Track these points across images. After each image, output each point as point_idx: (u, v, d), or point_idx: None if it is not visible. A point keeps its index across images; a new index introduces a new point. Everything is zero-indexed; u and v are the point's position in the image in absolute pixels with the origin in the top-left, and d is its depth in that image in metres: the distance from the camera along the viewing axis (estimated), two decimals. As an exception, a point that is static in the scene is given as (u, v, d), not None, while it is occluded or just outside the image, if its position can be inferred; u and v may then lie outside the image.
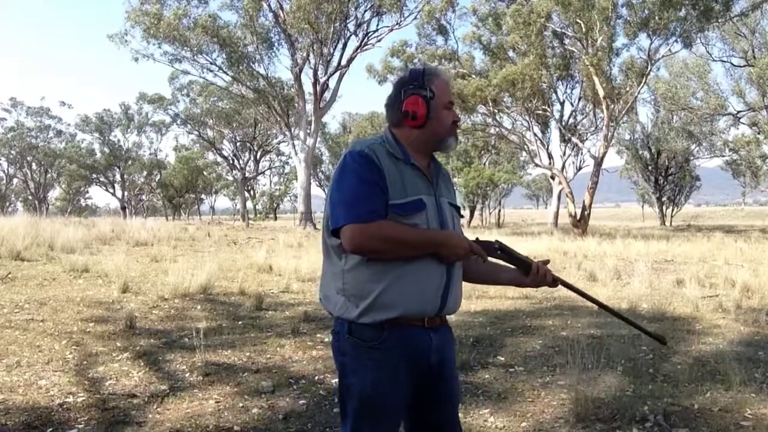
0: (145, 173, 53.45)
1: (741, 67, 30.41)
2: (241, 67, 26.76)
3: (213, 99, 40.71)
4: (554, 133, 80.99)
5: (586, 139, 35.45)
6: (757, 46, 29.30)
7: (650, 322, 5.89)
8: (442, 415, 1.78)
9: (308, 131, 26.89)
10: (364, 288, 1.61)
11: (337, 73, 26.97)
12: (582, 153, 34.72)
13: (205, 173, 54.34)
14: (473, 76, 27.02)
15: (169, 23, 23.97)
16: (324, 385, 3.89)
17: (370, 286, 1.61)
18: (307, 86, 27.29)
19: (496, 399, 3.65)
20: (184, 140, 53.20)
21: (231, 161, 46.65)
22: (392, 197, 1.61)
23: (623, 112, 26.25)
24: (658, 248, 15.06)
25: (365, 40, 26.94)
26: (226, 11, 38.13)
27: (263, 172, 53.03)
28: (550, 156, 32.74)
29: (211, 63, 26.84)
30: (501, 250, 1.78)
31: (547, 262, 1.86)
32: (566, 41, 26.24)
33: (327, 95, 27.63)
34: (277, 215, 61.93)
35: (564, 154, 34.00)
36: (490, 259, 1.77)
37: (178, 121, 45.17)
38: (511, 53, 27.42)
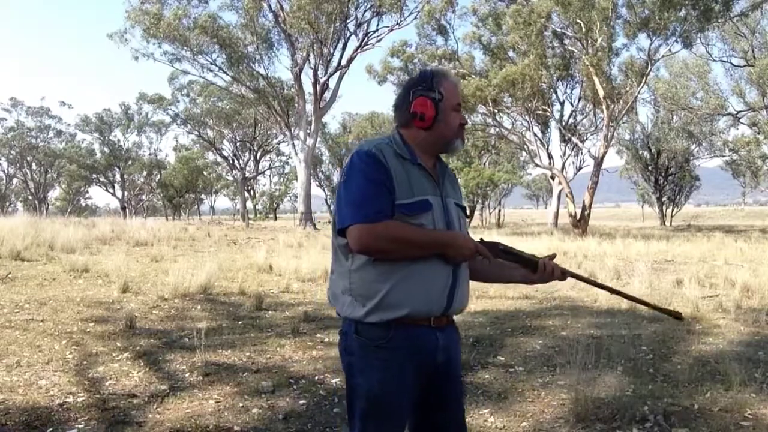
0: (145, 173, 53.44)
1: (741, 67, 30.42)
2: (241, 67, 26.78)
3: (213, 99, 40.70)
4: (554, 133, 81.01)
5: (586, 139, 35.50)
6: (757, 46, 29.30)
7: (650, 322, 5.90)
8: (448, 414, 1.78)
9: (308, 131, 26.89)
10: (371, 288, 1.62)
11: (337, 73, 27.00)
12: (582, 153, 34.77)
13: (205, 173, 54.33)
14: (473, 76, 27.02)
15: (169, 23, 23.98)
16: (324, 385, 3.89)
17: (376, 285, 1.62)
18: (307, 86, 27.34)
19: (496, 399, 3.65)
20: (184, 140, 53.24)
21: (231, 161, 46.64)
22: (399, 197, 1.62)
23: (623, 112, 26.25)
24: (658, 248, 15.06)
25: (365, 40, 26.96)
26: (226, 11, 38.11)
27: (263, 172, 53.07)
28: (550, 156, 32.76)
29: (211, 63, 26.89)
30: (506, 251, 1.79)
31: (553, 256, 1.86)
32: (566, 41, 26.24)
33: (327, 95, 27.65)
34: (277, 215, 61.92)
35: (564, 154, 34.02)
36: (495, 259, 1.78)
37: (178, 121, 45.17)
38: (511, 53, 27.43)
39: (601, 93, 23.65)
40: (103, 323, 5.42)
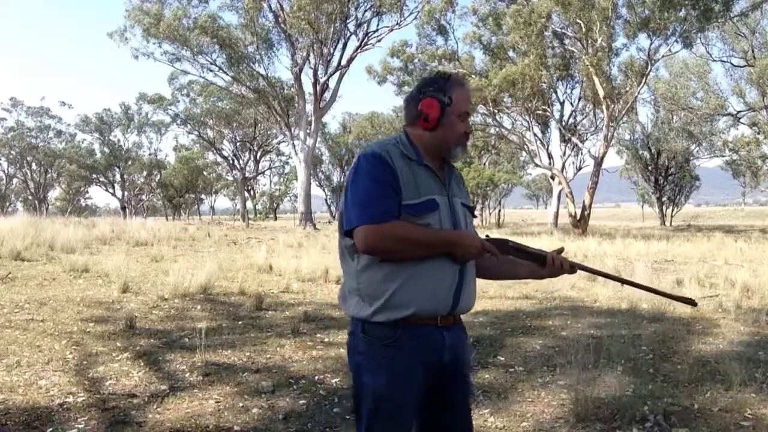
0: (145, 173, 53.44)
1: (741, 67, 30.41)
2: (241, 67, 26.78)
3: (213, 99, 40.69)
4: (554, 133, 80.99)
5: (586, 139, 35.50)
6: (757, 46, 29.30)
7: (650, 322, 5.90)
8: (455, 414, 1.79)
9: (308, 131, 26.88)
10: (378, 288, 1.63)
11: (337, 73, 27.00)
12: (582, 153, 34.78)
13: (205, 173, 54.32)
14: (473, 76, 27.01)
15: (168, 24, 23.97)
16: (324, 385, 3.89)
17: (384, 285, 1.63)
18: (307, 86, 27.33)
19: (496, 399, 3.65)
20: (184, 140, 53.22)
21: (231, 161, 46.63)
22: (405, 198, 1.63)
23: (623, 112, 26.25)
24: (658, 248, 15.07)
25: (365, 40, 26.96)
26: (226, 11, 38.12)
27: (263, 172, 53.07)
28: (550, 156, 32.76)
29: (211, 63, 26.89)
30: (513, 248, 1.79)
31: (561, 250, 1.86)
32: (566, 41, 26.24)
33: (327, 95, 27.64)
34: (277, 215, 61.91)
35: (564, 154, 34.02)
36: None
37: (178, 121, 45.16)
38: (511, 53, 27.42)
39: (601, 93, 23.65)
40: (103, 323, 5.42)
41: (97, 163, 50.63)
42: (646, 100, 35.35)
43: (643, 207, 60.07)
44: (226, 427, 3.14)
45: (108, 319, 5.60)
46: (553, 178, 32.93)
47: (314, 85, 26.69)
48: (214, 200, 70.12)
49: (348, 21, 26.08)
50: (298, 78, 26.85)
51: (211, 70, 27.39)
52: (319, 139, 34.18)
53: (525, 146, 31.28)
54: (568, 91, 32.15)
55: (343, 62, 26.79)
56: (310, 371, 4.18)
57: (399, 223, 1.60)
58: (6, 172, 53.53)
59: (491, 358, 4.57)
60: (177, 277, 7.24)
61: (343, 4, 24.68)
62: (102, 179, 52.38)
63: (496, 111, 28.07)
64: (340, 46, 26.58)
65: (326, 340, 5.14)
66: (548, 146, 33.71)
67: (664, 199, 42.09)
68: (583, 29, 22.98)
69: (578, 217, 24.17)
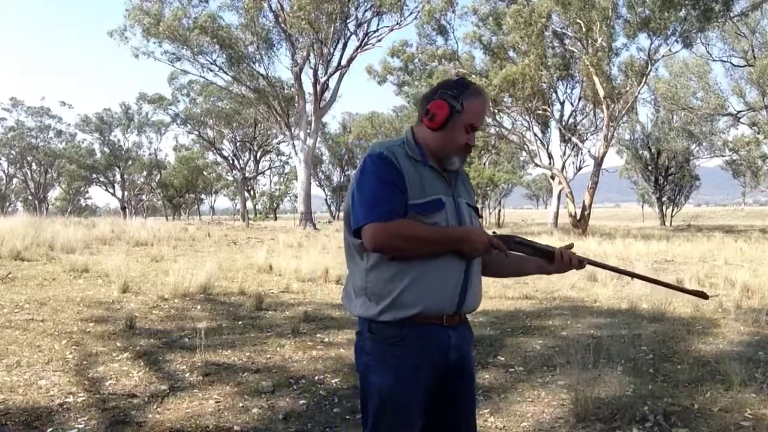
0: (145, 173, 53.44)
1: (741, 67, 30.41)
2: (241, 67, 26.77)
3: (213, 99, 40.69)
4: (554, 133, 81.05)
5: (586, 139, 35.50)
6: (757, 46, 29.29)
7: (650, 322, 5.90)
8: (460, 414, 1.79)
9: (308, 131, 26.88)
10: (385, 287, 1.65)
11: (337, 73, 27.00)
12: (582, 153, 34.78)
13: (205, 173, 54.32)
14: (473, 76, 27.01)
15: (168, 25, 23.97)
16: (324, 385, 3.89)
17: (391, 285, 1.64)
18: (307, 86, 27.34)
19: (496, 399, 3.65)
20: (184, 140, 53.19)
21: (231, 161, 46.63)
22: (412, 197, 1.64)
23: (623, 112, 26.24)
24: (658, 248, 15.07)
25: (365, 40, 26.96)
26: (226, 11, 38.13)
27: (263, 172, 53.06)
28: (550, 156, 32.76)
29: (211, 63, 26.89)
30: (521, 243, 1.79)
31: (570, 246, 1.86)
32: (566, 41, 26.24)
33: (327, 95, 27.64)
34: (277, 215, 61.91)
35: (564, 154, 34.02)
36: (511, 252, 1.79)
37: (178, 121, 45.16)
38: (511, 53, 27.42)
39: (601, 93, 23.65)
40: (103, 323, 5.42)
41: (97, 163, 50.64)
42: (646, 100, 35.40)
43: (643, 207, 60.07)
44: (226, 427, 3.14)
45: (108, 319, 5.60)
46: (553, 178, 32.93)
47: (314, 85, 26.69)
48: (214, 200, 70.19)
49: (348, 21, 26.10)
50: (298, 78, 26.85)
51: (211, 70, 27.44)
52: (319, 139, 34.18)
53: (525, 146, 31.28)
54: (568, 91, 32.20)
55: (343, 62, 26.82)
56: (310, 371, 4.18)
57: (406, 221, 1.61)
58: (6, 172, 53.57)
59: (491, 358, 4.57)
60: (177, 277, 7.24)
61: (343, 4, 24.68)
62: (102, 179, 52.38)
63: (496, 111, 28.06)
64: (340, 46, 26.63)
65: (326, 340, 5.14)
66: (548, 146, 33.74)
67: (664, 199, 42.09)
68: (583, 29, 22.98)
69: (578, 217, 24.17)
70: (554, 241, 17.23)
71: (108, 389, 3.69)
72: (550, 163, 31.53)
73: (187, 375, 4.04)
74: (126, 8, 24.92)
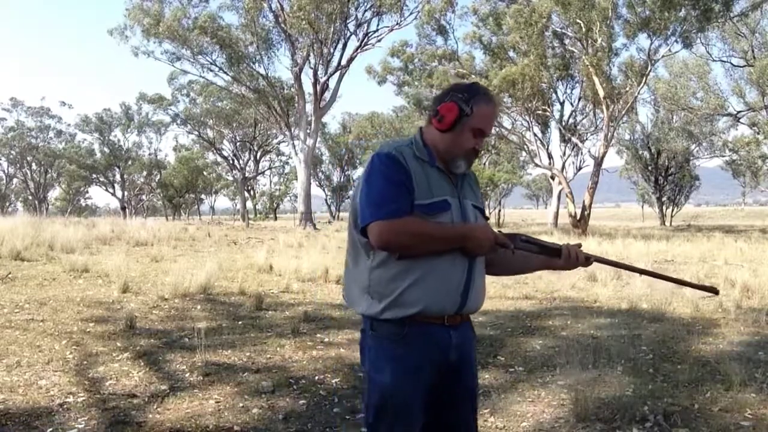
0: (145, 173, 53.43)
1: (741, 67, 30.41)
2: (241, 67, 26.78)
3: (213, 99, 40.68)
4: (554, 133, 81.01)
5: (586, 139, 35.48)
6: (757, 46, 29.29)
7: (650, 322, 5.90)
8: (461, 414, 1.80)
9: (308, 131, 26.88)
10: (388, 286, 1.66)
11: (337, 73, 26.99)
12: (582, 153, 34.77)
13: (205, 173, 54.31)
14: (473, 76, 27.02)
15: (168, 26, 23.97)
16: (324, 385, 3.89)
17: (393, 284, 1.66)
18: (307, 86, 27.33)
19: (496, 399, 3.65)
20: (184, 140, 53.20)
21: (231, 161, 46.63)
22: (418, 197, 1.66)
23: (623, 112, 26.24)
24: (658, 248, 15.06)
25: (365, 40, 26.95)
26: (226, 11, 38.11)
27: (263, 172, 53.05)
28: (550, 156, 32.76)
29: (211, 63, 26.89)
30: (527, 242, 1.80)
31: (579, 245, 1.87)
32: (566, 41, 26.24)
33: (327, 95, 27.64)
34: (277, 215, 61.92)
35: (564, 154, 34.01)
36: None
37: (178, 121, 45.14)
38: (511, 53, 27.42)
39: (601, 93, 23.65)
40: (103, 323, 5.42)
41: (97, 163, 50.63)
42: (646, 100, 35.40)
43: (643, 207, 60.06)
44: (226, 427, 3.14)
45: (108, 319, 5.60)
46: (553, 178, 32.93)
47: (314, 85, 26.69)
48: (214, 200, 70.20)
49: (348, 21, 26.09)
50: (298, 78, 26.85)
51: (211, 70, 27.45)
52: (319, 139, 34.18)
53: (525, 146, 31.28)
54: (568, 91, 32.18)
55: (343, 62, 26.81)
56: (310, 371, 4.18)
57: (411, 219, 1.62)
58: (6, 172, 53.58)
59: (491, 358, 4.57)
60: (177, 277, 7.24)
61: (343, 4, 24.67)
62: (102, 179, 52.38)
63: (496, 111, 28.00)
64: (340, 46, 26.62)
65: (326, 340, 5.14)
66: (548, 146, 33.73)
67: (664, 199, 42.08)
68: (583, 29, 22.98)
69: (578, 217, 24.17)
70: (555, 241, 17.19)
71: (108, 389, 3.69)
72: (550, 163, 31.54)
73: (187, 375, 4.04)
74: (126, 8, 24.97)
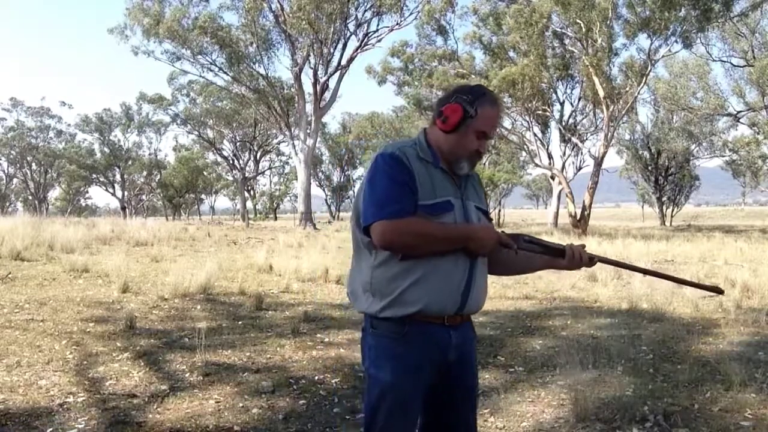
0: (145, 173, 53.43)
1: (741, 67, 30.40)
2: (241, 67, 26.78)
3: (213, 99, 40.68)
4: (554, 133, 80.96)
5: (586, 139, 35.46)
6: (757, 46, 29.28)
7: (650, 322, 5.90)
8: (460, 414, 1.80)
9: (308, 131, 26.88)
10: (389, 285, 1.67)
11: (337, 73, 26.98)
12: (582, 153, 34.75)
13: (205, 173, 54.31)
14: (473, 76, 27.02)
15: (168, 27, 23.97)
16: (324, 385, 3.89)
17: (394, 283, 1.66)
18: (307, 86, 27.32)
19: (496, 399, 3.65)
20: (184, 140, 53.22)
21: (231, 161, 46.63)
22: (421, 198, 1.66)
23: (623, 112, 26.24)
24: (658, 248, 15.06)
25: (365, 40, 26.94)
26: (226, 11, 38.08)
27: (263, 172, 53.04)
28: (550, 156, 32.75)
29: (211, 63, 26.88)
30: (530, 242, 1.80)
31: (582, 246, 1.87)
32: (566, 41, 26.23)
33: (327, 95, 27.63)
34: (277, 215, 61.91)
35: (564, 154, 33.99)
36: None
37: (178, 121, 45.13)
38: (511, 53, 27.42)
39: (601, 93, 23.65)
40: (103, 323, 5.42)
41: (97, 163, 50.63)
42: (646, 100, 35.41)
43: (643, 207, 60.05)
44: (226, 427, 3.14)
45: (108, 319, 5.60)
46: (553, 178, 32.92)
47: (314, 85, 26.68)
48: (214, 200, 70.21)
49: (348, 21, 26.08)
50: (298, 78, 26.84)
51: (211, 70, 27.44)
52: (319, 139, 34.17)
53: (525, 146, 31.28)
54: (568, 91, 32.15)
55: (343, 62, 26.80)
56: (310, 371, 4.18)
57: (415, 219, 1.63)
58: (6, 172, 53.58)
59: (491, 358, 4.57)
60: (177, 277, 7.24)
61: (343, 4, 24.67)
62: (102, 179, 52.38)
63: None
64: (340, 46, 26.61)
65: (326, 340, 5.14)
66: (548, 146, 33.71)
67: (664, 199, 42.08)
68: (583, 29, 22.98)
69: (578, 217, 24.17)
70: (555, 241, 17.20)
71: (108, 389, 3.69)
72: (550, 163, 31.53)
73: (187, 375, 4.04)
74: (126, 7, 24.98)
